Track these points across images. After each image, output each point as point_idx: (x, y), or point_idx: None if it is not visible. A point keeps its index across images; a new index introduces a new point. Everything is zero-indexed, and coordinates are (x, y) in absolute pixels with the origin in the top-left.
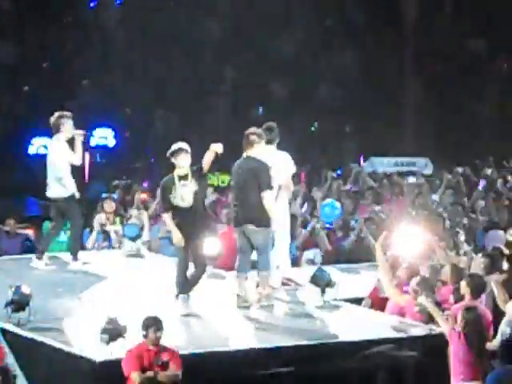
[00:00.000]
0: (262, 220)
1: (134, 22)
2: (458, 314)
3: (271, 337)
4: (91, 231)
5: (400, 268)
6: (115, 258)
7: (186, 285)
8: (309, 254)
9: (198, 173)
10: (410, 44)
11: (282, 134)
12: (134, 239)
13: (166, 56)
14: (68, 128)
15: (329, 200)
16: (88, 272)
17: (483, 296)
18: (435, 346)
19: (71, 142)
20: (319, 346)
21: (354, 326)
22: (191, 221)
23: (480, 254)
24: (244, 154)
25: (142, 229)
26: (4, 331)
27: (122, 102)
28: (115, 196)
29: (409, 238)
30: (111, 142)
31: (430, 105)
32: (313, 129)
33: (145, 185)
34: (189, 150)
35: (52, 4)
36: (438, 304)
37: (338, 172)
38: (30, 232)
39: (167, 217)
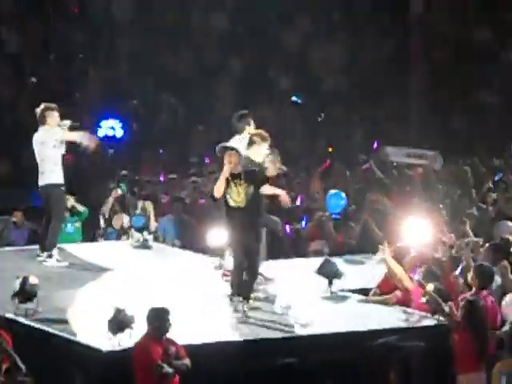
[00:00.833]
0: None
1: (141, 12)
2: (460, 306)
3: (276, 327)
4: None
5: (407, 256)
6: (122, 248)
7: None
8: (316, 245)
9: (252, 174)
10: (417, 32)
11: (291, 124)
12: (141, 230)
13: (173, 46)
14: (53, 120)
15: (335, 191)
16: (95, 263)
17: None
18: (442, 336)
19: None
20: (325, 337)
21: (361, 316)
22: (244, 222)
23: (487, 244)
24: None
25: (148, 220)
26: (11, 322)
27: (130, 92)
28: (123, 186)
29: (417, 230)
30: (119, 133)
31: (437, 93)
32: (320, 119)
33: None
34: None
35: None
36: (444, 294)
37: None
38: None
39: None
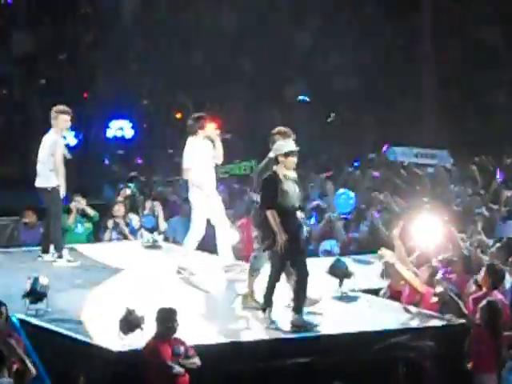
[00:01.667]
0: None
1: (151, 13)
2: (478, 308)
3: (288, 327)
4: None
5: (412, 256)
6: (132, 248)
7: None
8: (325, 244)
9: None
10: (428, 34)
11: (301, 124)
12: (151, 230)
13: (184, 47)
14: (60, 123)
15: (343, 190)
16: (105, 263)
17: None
18: (454, 336)
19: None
20: (337, 337)
21: (372, 316)
22: (297, 225)
23: (497, 244)
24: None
25: (157, 220)
26: (22, 322)
27: (140, 93)
28: (132, 187)
29: (426, 229)
30: (129, 134)
31: (448, 94)
32: (330, 119)
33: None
34: None
35: None
36: (457, 295)
37: (356, 164)
38: None
39: (271, 214)
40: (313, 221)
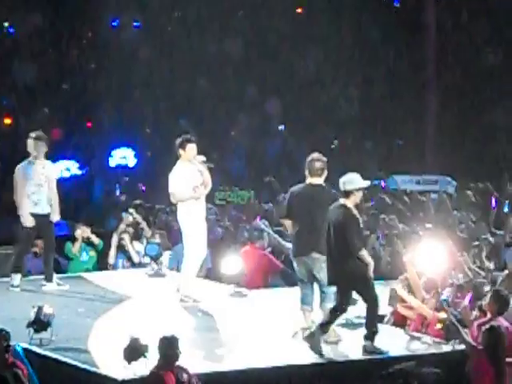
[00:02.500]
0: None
1: (154, 42)
2: (481, 334)
3: (289, 355)
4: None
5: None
6: (136, 277)
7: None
8: None
9: None
10: (430, 59)
11: (302, 151)
12: (155, 258)
13: (187, 75)
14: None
15: None
16: (109, 291)
17: None
18: (458, 362)
19: None
20: (341, 364)
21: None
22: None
23: (506, 271)
24: (308, 181)
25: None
26: (27, 351)
27: (142, 121)
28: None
29: (431, 255)
30: (131, 162)
31: (450, 120)
32: (333, 146)
33: None
34: None
35: (71, 24)
36: (461, 321)
37: None
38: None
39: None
40: None
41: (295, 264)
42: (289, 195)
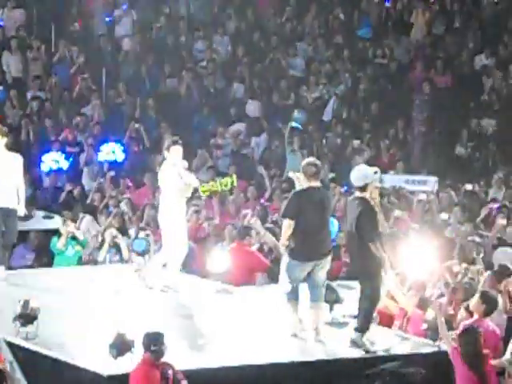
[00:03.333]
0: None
1: (143, 36)
2: (457, 336)
3: (277, 353)
4: (101, 245)
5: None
6: (124, 272)
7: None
8: None
9: None
10: (419, 60)
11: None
12: (141, 254)
13: (174, 70)
14: None
15: None
16: (95, 287)
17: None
18: (443, 363)
19: None
20: (326, 363)
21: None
22: None
23: (488, 272)
24: (306, 185)
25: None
26: (12, 345)
27: (131, 115)
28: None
29: (417, 256)
30: (120, 157)
31: (437, 121)
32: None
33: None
34: None
35: (61, 18)
36: (446, 322)
37: (345, 188)
38: None
39: (377, 246)
40: None
41: (299, 267)
42: (295, 197)
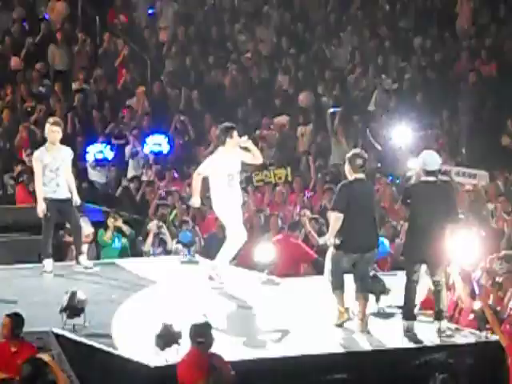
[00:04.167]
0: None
1: (187, 28)
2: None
3: (324, 344)
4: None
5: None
6: (169, 263)
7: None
8: None
9: None
10: (464, 50)
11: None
12: (188, 245)
13: (219, 62)
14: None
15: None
16: (142, 278)
17: None
18: (491, 353)
19: None
20: (373, 353)
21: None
22: None
23: None
24: (352, 177)
25: (195, 235)
26: (59, 336)
27: (175, 108)
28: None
29: (466, 245)
30: (165, 149)
31: (483, 111)
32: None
33: None
34: None
35: (104, 11)
36: (496, 312)
37: (390, 178)
38: None
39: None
40: None
41: (344, 259)
42: (345, 190)
